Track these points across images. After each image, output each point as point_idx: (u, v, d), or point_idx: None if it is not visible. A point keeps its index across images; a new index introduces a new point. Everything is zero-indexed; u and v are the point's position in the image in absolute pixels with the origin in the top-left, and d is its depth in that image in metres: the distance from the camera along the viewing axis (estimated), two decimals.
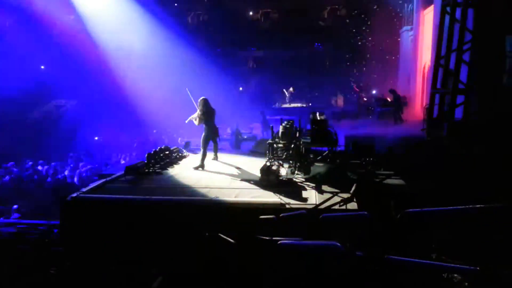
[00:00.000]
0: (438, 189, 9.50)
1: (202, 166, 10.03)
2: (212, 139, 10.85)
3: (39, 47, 23.92)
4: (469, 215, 2.00)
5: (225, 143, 16.57)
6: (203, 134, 10.50)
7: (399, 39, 29.18)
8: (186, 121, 11.18)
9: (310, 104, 29.19)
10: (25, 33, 23.65)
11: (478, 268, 1.72)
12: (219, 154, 11.27)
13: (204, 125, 10.51)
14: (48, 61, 24.70)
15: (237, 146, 17.47)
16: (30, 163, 15.71)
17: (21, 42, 23.87)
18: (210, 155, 10.86)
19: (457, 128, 6.88)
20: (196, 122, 10.65)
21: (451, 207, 2.13)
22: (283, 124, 11.03)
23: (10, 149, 18.20)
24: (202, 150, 10.27)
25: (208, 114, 10.50)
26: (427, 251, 2.61)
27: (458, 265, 1.93)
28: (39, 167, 15.09)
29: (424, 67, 22.41)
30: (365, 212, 3.09)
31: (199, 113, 10.56)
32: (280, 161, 9.83)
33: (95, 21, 25.54)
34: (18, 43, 23.94)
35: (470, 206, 1.97)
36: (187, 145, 13.05)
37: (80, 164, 15.91)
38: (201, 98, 10.68)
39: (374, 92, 25.53)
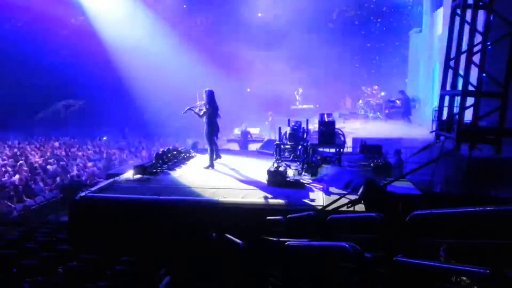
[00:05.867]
0: (447, 191, 9.44)
1: (212, 165, 9.84)
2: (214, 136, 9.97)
3: (49, 48, 24.15)
4: (479, 217, 1.98)
5: (233, 144, 16.60)
6: (206, 130, 9.74)
7: (408, 40, 29.06)
8: (183, 112, 10.01)
9: (318, 105, 29.08)
10: (35, 34, 23.91)
11: (488, 271, 1.70)
12: (225, 155, 10.89)
13: (207, 120, 9.72)
14: (58, 61, 24.92)
15: (245, 146, 17.49)
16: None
17: (31, 43, 24.14)
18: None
19: (466, 130, 6.80)
20: (200, 114, 9.73)
21: (460, 209, 2.11)
22: (291, 126, 11.01)
23: None
24: (209, 147, 9.82)
25: (214, 108, 9.65)
26: (435, 254, 2.59)
27: (467, 268, 1.92)
28: (48, 166, 15.18)
29: (433, 69, 22.27)
30: (374, 214, 3.07)
31: (205, 106, 9.60)
32: (287, 162, 9.80)
33: (104, 22, 25.71)
34: (28, 43, 24.21)
35: (480, 208, 1.95)
36: (194, 146, 13.06)
37: (89, 164, 15.99)
38: (207, 89, 9.64)
39: (383, 93, 25.42)
